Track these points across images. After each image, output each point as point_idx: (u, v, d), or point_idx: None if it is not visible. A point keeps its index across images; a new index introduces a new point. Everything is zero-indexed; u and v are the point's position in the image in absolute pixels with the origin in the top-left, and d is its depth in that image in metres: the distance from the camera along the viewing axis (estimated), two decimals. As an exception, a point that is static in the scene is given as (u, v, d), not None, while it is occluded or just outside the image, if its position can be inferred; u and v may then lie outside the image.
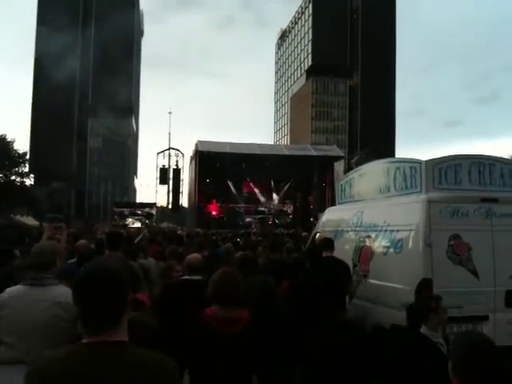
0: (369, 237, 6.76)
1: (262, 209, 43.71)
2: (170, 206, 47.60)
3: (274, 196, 44.16)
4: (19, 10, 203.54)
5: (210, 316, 2.90)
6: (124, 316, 1.80)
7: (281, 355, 4.01)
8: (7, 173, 61.64)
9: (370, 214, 6.99)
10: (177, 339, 2.90)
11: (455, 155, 6.23)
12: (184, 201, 47.61)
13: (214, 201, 42.12)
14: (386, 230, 6.36)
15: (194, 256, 5.36)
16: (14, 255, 6.50)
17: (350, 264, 6.78)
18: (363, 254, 6.81)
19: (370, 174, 7.73)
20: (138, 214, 50.61)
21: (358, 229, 7.15)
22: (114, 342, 1.73)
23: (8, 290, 3.45)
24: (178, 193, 45.28)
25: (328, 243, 6.76)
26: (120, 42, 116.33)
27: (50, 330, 3.20)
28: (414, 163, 6.35)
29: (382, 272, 6.24)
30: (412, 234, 5.79)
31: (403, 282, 5.72)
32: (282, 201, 44.51)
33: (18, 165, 62.30)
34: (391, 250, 6.16)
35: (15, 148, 61.46)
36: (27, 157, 64.73)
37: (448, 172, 6.03)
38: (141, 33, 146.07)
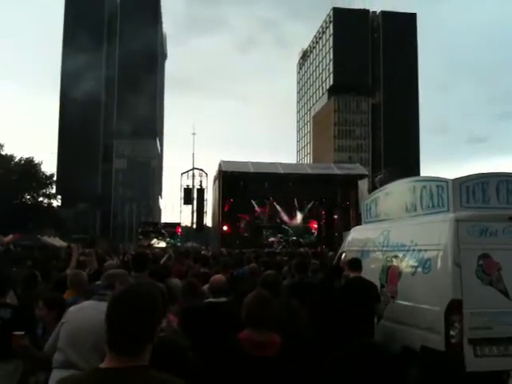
0: (396, 256, 6.68)
1: (286, 228, 43.56)
2: (194, 226, 47.80)
3: (298, 215, 43.99)
4: (46, 32, 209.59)
5: (244, 339, 2.86)
6: (148, 344, 1.79)
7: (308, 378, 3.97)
8: (35, 194, 62.85)
9: (396, 233, 6.92)
10: (210, 364, 2.88)
11: (482, 173, 6.15)
12: (208, 220, 47.82)
13: (238, 220, 42.18)
14: (413, 250, 6.28)
15: (218, 277, 5.34)
16: (37, 279, 6.62)
17: (378, 284, 6.70)
18: (390, 274, 6.72)
19: (396, 193, 7.67)
20: (163, 234, 50.92)
21: (384, 248, 7.08)
22: (131, 368, 1.74)
23: (81, 304, 4.01)
24: (202, 212, 45.49)
25: (356, 263, 6.70)
26: (144, 65, 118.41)
27: (98, 339, 3.32)
28: (440, 182, 6.28)
29: (410, 292, 6.15)
30: (440, 253, 5.71)
31: (432, 303, 5.64)
32: (305, 220, 44.32)
33: (46, 186, 63.53)
34: (419, 269, 6.07)
35: (42, 170, 62.76)
36: (54, 178, 65.96)
37: (475, 190, 5.96)
38: (164, 56, 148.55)
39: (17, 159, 60.53)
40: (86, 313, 3.73)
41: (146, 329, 1.78)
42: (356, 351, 3.36)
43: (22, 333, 4.10)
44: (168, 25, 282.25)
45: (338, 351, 3.57)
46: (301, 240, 42.38)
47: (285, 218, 43.51)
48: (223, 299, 4.92)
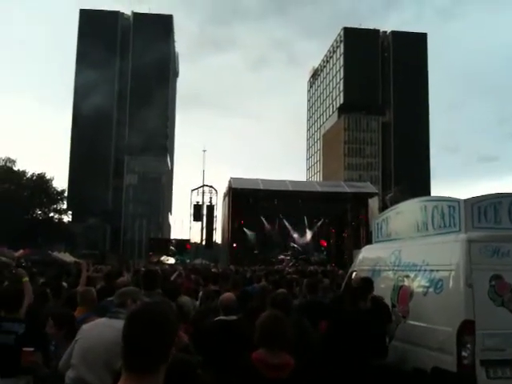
0: (407, 276, 6.65)
1: (295, 246, 43.45)
2: (203, 243, 47.82)
3: (308, 233, 43.90)
4: (59, 47, 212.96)
5: (257, 360, 2.83)
6: (163, 363, 1.79)
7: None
8: (46, 210, 63.30)
9: (408, 252, 6.89)
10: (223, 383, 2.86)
11: (495, 194, 6.15)
12: (217, 237, 47.82)
13: (247, 237, 42.12)
14: (425, 270, 6.25)
15: (228, 295, 5.36)
16: (48, 296, 6.67)
17: (389, 304, 6.66)
18: (402, 294, 6.68)
19: (407, 213, 7.66)
20: (173, 251, 51.02)
21: (396, 268, 7.04)
22: None
23: (95, 321, 4.06)
24: (212, 229, 45.56)
25: (369, 284, 6.62)
26: (156, 83, 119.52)
27: (111, 356, 3.34)
28: (452, 202, 6.28)
29: (422, 313, 6.11)
30: (452, 273, 5.68)
31: (444, 324, 5.60)
32: (315, 237, 44.20)
33: (57, 202, 63.98)
34: (431, 290, 6.03)
35: (54, 185, 63.28)
36: (65, 194, 66.42)
37: (488, 210, 5.95)
38: (176, 73, 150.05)
39: (29, 175, 61.13)
40: (100, 330, 3.75)
41: (161, 348, 1.78)
42: (373, 373, 3.32)
43: (32, 349, 4.13)
44: (181, 43, 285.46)
45: (355, 373, 3.54)
46: (310, 258, 42.25)
47: (294, 235, 43.44)
48: (233, 317, 4.93)
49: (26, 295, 6.06)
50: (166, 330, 1.81)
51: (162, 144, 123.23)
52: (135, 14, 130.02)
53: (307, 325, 5.04)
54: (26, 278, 6.12)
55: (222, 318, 4.99)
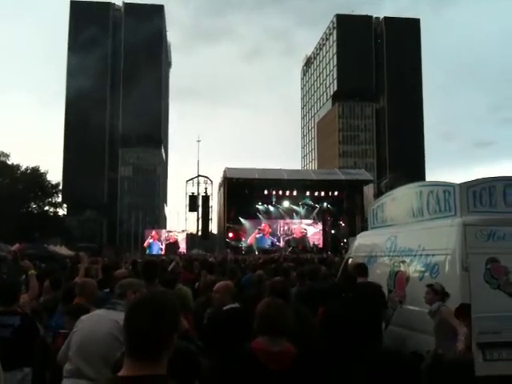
0: (403, 262, 6.68)
1: (292, 234, 43.55)
2: (199, 233, 47.84)
3: (303, 221, 43.99)
4: (52, 43, 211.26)
5: (257, 349, 2.76)
6: (166, 351, 1.81)
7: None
8: (41, 203, 63.07)
9: (403, 238, 6.92)
10: (225, 375, 2.79)
11: (489, 177, 6.15)
12: (213, 227, 47.84)
13: (243, 227, 42.18)
14: (421, 255, 6.28)
15: (224, 284, 5.35)
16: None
17: (385, 290, 6.69)
18: (398, 279, 6.72)
19: (403, 198, 7.67)
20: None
21: (392, 254, 7.07)
22: (148, 377, 1.74)
23: (93, 312, 4.06)
24: (208, 219, 45.53)
25: (362, 269, 6.70)
26: (149, 74, 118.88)
27: (107, 348, 3.36)
28: (447, 186, 6.29)
29: (418, 297, 6.14)
30: (448, 258, 5.71)
31: (440, 307, 5.63)
32: (311, 225, 44.29)
33: (51, 195, 63.71)
34: (427, 274, 6.06)
35: (48, 179, 62.98)
36: (60, 187, 66.15)
37: (482, 194, 5.96)
38: (169, 64, 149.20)
39: (23, 168, 60.82)
40: (97, 322, 3.73)
41: (164, 335, 1.79)
42: (377, 360, 3.29)
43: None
44: (174, 34, 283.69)
45: (356, 359, 3.51)
46: (306, 246, 42.40)
47: (290, 223, 43.52)
48: (236, 305, 4.92)
49: (31, 288, 6.08)
50: (168, 317, 1.82)
51: (157, 135, 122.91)
52: (126, 5, 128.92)
53: (306, 312, 5.04)
54: (33, 271, 6.13)
55: (232, 306, 4.94)
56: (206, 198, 45.12)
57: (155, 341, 1.77)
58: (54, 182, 63.82)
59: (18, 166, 60.38)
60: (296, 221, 43.77)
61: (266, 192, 40.04)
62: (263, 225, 42.25)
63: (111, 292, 5.54)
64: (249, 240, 42.01)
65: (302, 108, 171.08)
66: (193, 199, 45.30)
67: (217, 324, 4.66)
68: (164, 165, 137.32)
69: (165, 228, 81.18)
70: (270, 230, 42.64)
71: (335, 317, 4.83)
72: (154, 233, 55.63)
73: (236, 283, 7.96)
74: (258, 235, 42.07)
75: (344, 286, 6.20)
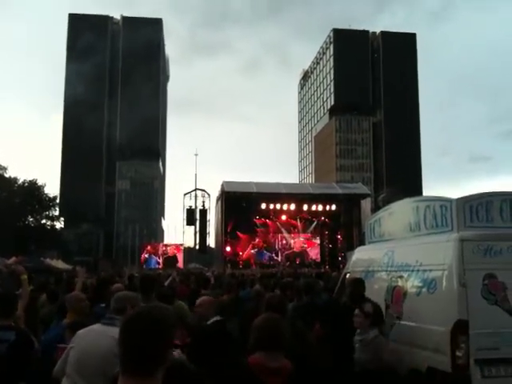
0: (401, 277, 6.65)
1: (292, 248, 43.41)
2: (197, 247, 47.63)
3: (301, 235, 43.88)
4: (50, 55, 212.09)
5: (255, 364, 2.75)
6: (161, 367, 1.80)
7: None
8: (38, 216, 62.94)
9: (401, 253, 6.89)
10: None
11: (486, 192, 6.16)
12: (211, 241, 47.66)
13: (241, 241, 42.04)
14: (418, 270, 6.25)
15: (206, 299, 5.44)
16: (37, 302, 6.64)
17: (383, 305, 6.65)
18: (395, 294, 6.68)
19: (400, 213, 7.67)
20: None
21: (389, 269, 7.04)
22: None
23: (89, 327, 3.94)
24: (205, 233, 45.35)
25: (359, 284, 6.66)
26: (146, 87, 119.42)
27: (104, 363, 3.32)
28: (444, 201, 6.29)
29: (416, 313, 6.11)
30: (445, 273, 5.68)
31: (438, 323, 5.60)
32: (308, 239, 44.17)
33: (49, 208, 63.62)
34: (424, 290, 6.03)
35: (45, 192, 62.91)
36: (57, 200, 66.08)
37: (479, 210, 5.96)
38: (167, 77, 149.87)
39: (20, 181, 60.75)
40: (94, 337, 3.69)
41: (159, 351, 1.79)
42: (369, 374, 3.28)
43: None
44: (172, 48, 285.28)
45: (349, 373, 3.50)
46: (304, 260, 42.23)
47: (287, 237, 43.40)
48: (219, 318, 4.94)
49: (22, 296, 6.03)
50: (163, 332, 1.82)
51: (154, 149, 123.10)
52: (124, 18, 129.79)
53: (302, 327, 5.03)
54: (25, 276, 6.09)
55: (216, 319, 4.96)
56: (203, 212, 44.97)
57: (151, 355, 1.76)
58: (51, 195, 63.81)
59: (15, 179, 60.34)
60: (294, 235, 43.66)
61: (263, 206, 39.95)
62: (257, 240, 42.16)
63: (107, 307, 5.50)
64: (245, 254, 41.85)
65: (300, 122, 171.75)
66: (190, 213, 45.14)
67: (199, 338, 4.66)
68: (162, 178, 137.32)
69: (162, 241, 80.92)
70: (265, 245, 42.53)
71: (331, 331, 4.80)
72: (149, 247, 55.45)
73: (233, 298, 7.93)
74: (252, 250, 41.96)
75: (351, 302, 6.12)
